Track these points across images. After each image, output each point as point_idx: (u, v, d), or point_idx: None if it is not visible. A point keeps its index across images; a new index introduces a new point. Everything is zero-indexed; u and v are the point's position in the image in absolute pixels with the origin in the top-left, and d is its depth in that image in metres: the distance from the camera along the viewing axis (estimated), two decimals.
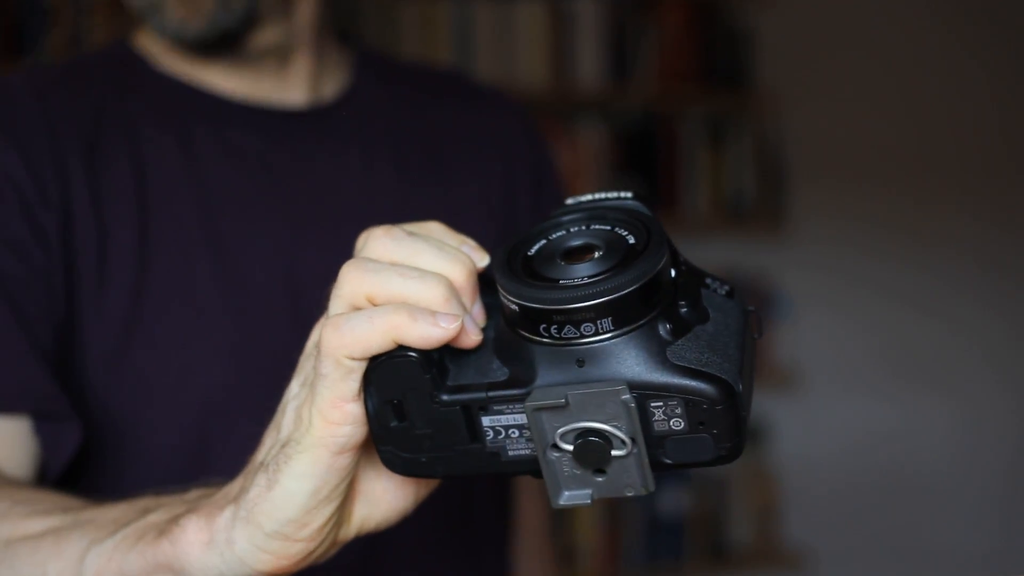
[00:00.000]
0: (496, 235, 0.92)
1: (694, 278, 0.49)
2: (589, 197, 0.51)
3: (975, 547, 3.01)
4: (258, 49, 0.86)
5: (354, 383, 0.48)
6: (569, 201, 0.51)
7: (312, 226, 0.85)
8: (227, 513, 0.52)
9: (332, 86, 0.91)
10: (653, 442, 0.46)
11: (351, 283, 0.48)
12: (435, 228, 0.51)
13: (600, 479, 0.47)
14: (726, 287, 0.51)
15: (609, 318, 0.45)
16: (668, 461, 0.47)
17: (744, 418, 0.46)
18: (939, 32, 3.03)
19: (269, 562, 0.51)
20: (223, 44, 0.84)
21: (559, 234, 0.49)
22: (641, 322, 0.45)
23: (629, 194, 0.50)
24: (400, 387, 0.47)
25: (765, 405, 2.87)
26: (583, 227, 0.49)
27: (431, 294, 0.47)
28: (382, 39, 2.53)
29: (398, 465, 0.50)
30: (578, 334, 0.45)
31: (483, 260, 0.51)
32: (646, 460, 0.46)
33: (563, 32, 2.73)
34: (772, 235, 2.93)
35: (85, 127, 0.81)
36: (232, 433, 0.79)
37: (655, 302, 0.46)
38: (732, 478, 2.85)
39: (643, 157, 2.80)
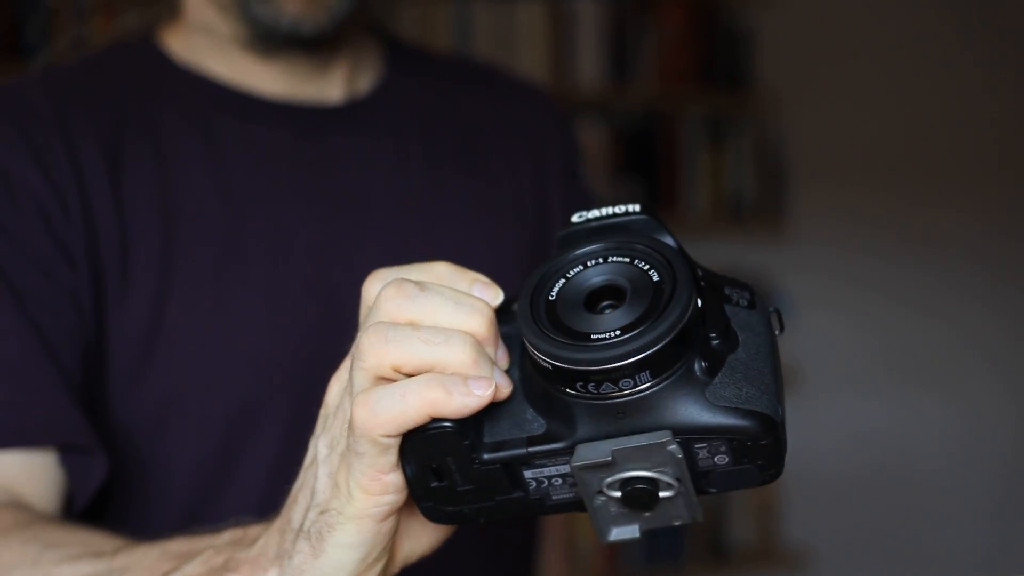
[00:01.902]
0: (528, 231, 0.91)
1: (717, 298, 0.48)
2: (597, 214, 0.49)
3: (974, 547, 3.01)
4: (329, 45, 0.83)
5: (392, 456, 0.46)
6: (575, 218, 0.49)
7: (344, 226, 0.82)
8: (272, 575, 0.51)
9: (366, 80, 0.89)
10: (698, 477, 0.46)
11: (375, 355, 0.46)
12: (444, 273, 0.49)
13: (648, 514, 0.47)
14: (746, 295, 0.50)
15: (647, 371, 0.44)
16: (713, 490, 0.47)
17: (785, 440, 0.46)
18: (939, 32, 3.03)
19: None
20: (322, 40, 0.81)
21: (577, 270, 0.47)
22: (678, 367, 0.44)
23: (637, 207, 0.49)
24: (439, 454, 0.46)
25: None
26: (601, 260, 0.47)
27: (460, 358, 0.45)
28: None
29: (441, 517, 0.49)
30: (616, 389, 0.44)
31: (497, 298, 0.49)
32: (694, 496, 0.46)
33: (563, 32, 2.73)
34: (772, 235, 2.93)
35: (106, 134, 0.79)
36: (258, 445, 0.78)
37: (689, 343, 0.45)
38: None
39: (643, 157, 2.80)
